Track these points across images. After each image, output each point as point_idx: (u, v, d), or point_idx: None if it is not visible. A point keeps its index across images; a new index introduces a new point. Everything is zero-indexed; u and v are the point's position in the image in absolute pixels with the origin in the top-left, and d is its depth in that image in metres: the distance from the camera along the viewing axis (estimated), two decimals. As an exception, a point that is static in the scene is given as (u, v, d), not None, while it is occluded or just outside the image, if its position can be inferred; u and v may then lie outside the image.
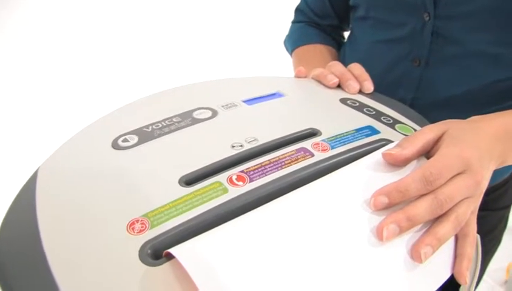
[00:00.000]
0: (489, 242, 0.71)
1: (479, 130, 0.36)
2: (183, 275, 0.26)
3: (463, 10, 0.51)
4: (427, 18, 0.53)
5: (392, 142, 0.37)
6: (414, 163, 0.34)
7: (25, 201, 0.32)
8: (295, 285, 0.26)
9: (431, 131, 0.35)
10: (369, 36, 0.61)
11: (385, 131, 0.40)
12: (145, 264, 0.27)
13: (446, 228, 0.31)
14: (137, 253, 0.27)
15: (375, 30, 0.60)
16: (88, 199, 0.32)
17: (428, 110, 0.57)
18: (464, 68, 0.54)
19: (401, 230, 0.29)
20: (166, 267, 0.27)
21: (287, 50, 0.76)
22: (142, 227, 0.29)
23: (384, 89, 0.52)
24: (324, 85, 0.50)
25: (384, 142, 0.38)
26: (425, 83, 0.56)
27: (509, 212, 0.72)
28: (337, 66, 0.52)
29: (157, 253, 0.28)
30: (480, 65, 0.53)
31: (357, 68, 0.52)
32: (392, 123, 0.41)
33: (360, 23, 0.63)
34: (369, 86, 0.50)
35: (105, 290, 0.26)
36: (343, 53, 0.70)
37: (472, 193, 0.32)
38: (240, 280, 0.25)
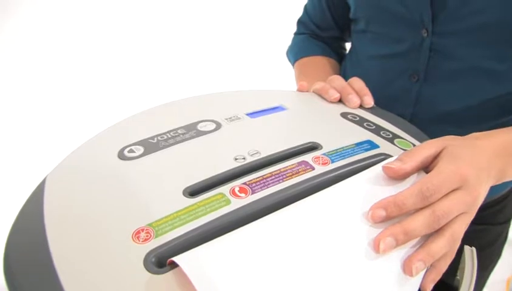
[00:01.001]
0: (489, 256, 0.72)
1: (478, 147, 0.37)
2: (186, 284, 0.27)
3: (461, 26, 0.52)
4: (426, 34, 0.54)
5: (391, 156, 0.38)
6: (412, 177, 0.35)
7: (34, 209, 0.33)
8: None
9: (430, 147, 0.36)
10: (368, 50, 0.63)
11: (384, 146, 0.41)
12: (150, 271, 0.28)
13: (440, 244, 0.31)
14: (142, 261, 0.28)
15: (374, 44, 0.61)
16: (95, 208, 0.33)
17: (427, 124, 0.58)
18: (462, 84, 0.55)
19: (398, 243, 0.30)
20: (169, 275, 0.27)
21: (289, 60, 0.78)
22: (147, 236, 0.30)
23: (383, 104, 0.53)
24: (325, 99, 0.51)
25: (383, 157, 0.39)
26: (424, 99, 0.57)
27: (509, 226, 0.73)
28: (338, 80, 0.53)
29: (161, 261, 0.28)
30: (478, 81, 0.54)
31: (357, 82, 0.53)
32: (392, 138, 0.42)
33: (360, 36, 0.64)
34: (369, 101, 0.51)
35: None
36: (344, 66, 0.71)
37: (468, 209, 0.33)
38: (240, 289, 0.26)
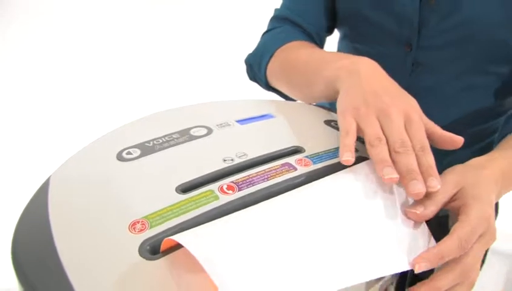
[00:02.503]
0: None
1: (487, 180, 0.41)
2: (177, 268, 0.30)
3: (442, 41, 0.56)
4: (409, 49, 0.58)
5: (368, 159, 0.41)
6: (385, 186, 0.38)
7: (38, 206, 0.37)
8: (287, 266, 0.30)
9: (448, 190, 0.38)
10: None
11: (363, 150, 0.44)
12: (144, 258, 0.31)
13: (449, 278, 0.35)
14: (137, 249, 0.31)
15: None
16: (95, 204, 0.36)
17: None
18: (443, 96, 0.58)
19: None
20: (162, 261, 0.31)
21: (252, 69, 0.66)
22: (142, 227, 0.33)
23: None
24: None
25: (361, 160, 0.42)
26: None
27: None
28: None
29: (155, 249, 0.32)
30: (457, 93, 0.58)
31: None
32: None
33: (347, 44, 0.67)
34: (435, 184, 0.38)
35: (109, 280, 0.30)
36: None
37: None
38: (237, 255, 0.30)
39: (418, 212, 0.37)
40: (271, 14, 0.68)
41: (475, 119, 0.61)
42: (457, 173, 0.40)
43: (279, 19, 0.66)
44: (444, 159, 0.56)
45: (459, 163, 0.44)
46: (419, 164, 0.37)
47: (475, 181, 0.40)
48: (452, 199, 0.39)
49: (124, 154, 0.42)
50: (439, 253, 0.34)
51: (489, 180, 0.41)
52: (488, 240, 0.37)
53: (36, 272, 0.31)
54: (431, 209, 0.37)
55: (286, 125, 0.49)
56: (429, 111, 0.60)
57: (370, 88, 0.42)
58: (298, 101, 0.58)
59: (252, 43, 0.68)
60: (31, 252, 0.33)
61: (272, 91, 0.64)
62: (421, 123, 0.42)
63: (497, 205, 0.73)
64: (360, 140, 0.46)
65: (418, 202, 0.37)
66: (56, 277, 0.30)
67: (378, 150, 0.38)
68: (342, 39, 0.68)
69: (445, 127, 0.60)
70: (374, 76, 0.44)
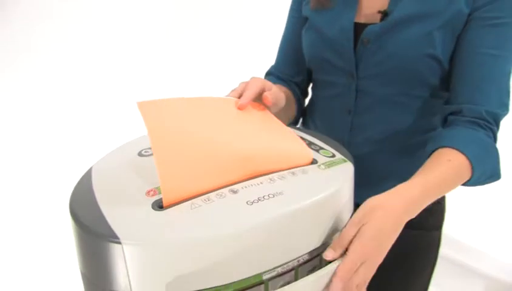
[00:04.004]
0: (421, 262, 0.88)
1: (386, 216, 0.53)
2: (181, 215, 0.47)
3: (375, 72, 0.75)
4: (352, 79, 0.76)
5: (317, 161, 0.59)
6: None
7: (86, 180, 0.55)
8: None
9: (351, 231, 0.52)
10: (317, 93, 0.86)
11: (313, 153, 0.62)
12: (154, 210, 0.48)
13: None
14: (150, 205, 0.49)
15: (320, 89, 0.84)
16: (124, 180, 0.54)
17: (362, 146, 0.79)
18: (380, 114, 0.77)
19: None
20: (165, 212, 0.48)
21: None
22: (153, 193, 0.51)
23: (329, 131, 0.75)
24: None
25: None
26: (355, 127, 0.79)
27: (439, 236, 0.90)
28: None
29: (160, 205, 0.49)
30: (390, 112, 0.76)
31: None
32: (318, 149, 0.63)
33: (313, 83, 0.87)
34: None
35: (130, 221, 0.47)
36: (307, 105, 0.93)
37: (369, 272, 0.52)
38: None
39: (330, 255, 0.51)
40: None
41: (407, 133, 0.78)
42: (365, 212, 0.53)
43: (267, 74, 0.95)
44: (401, 158, 0.74)
45: (413, 165, 0.63)
46: None
47: (371, 225, 0.52)
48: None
49: (142, 152, 0.60)
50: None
51: (389, 215, 0.53)
52: (370, 270, 0.51)
53: (83, 214, 0.49)
54: (338, 252, 0.51)
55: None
56: (371, 126, 0.78)
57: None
58: None
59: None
60: (81, 201, 0.50)
61: None
62: None
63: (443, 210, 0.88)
64: (312, 148, 0.64)
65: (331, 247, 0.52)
66: (91, 212, 0.48)
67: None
68: (312, 73, 0.87)
69: (385, 139, 0.77)
70: None
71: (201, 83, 2.19)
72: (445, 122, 0.75)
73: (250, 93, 0.64)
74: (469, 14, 0.70)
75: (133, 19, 2.23)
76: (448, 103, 0.74)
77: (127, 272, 0.45)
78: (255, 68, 1.05)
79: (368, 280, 0.53)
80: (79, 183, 0.55)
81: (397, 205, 0.55)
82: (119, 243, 0.44)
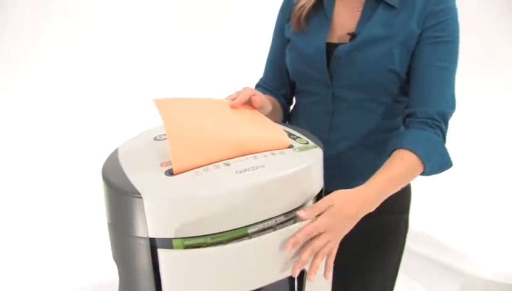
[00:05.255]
0: (390, 243, 1.03)
1: (349, 203, 0.71)
2: (187, 180, 0.63)
3: (346, 82, 0.91)
4: (328, 88, 0.93)
5: (293, 146, 0.75)
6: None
7: (114, 156, 0.71)
8: None
9: (323, 206, 0.69)
10: (300, 101, 1.02)
11: (291, 141, 0.78)
12: (166, 176, 0.64)
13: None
14: (163, 173, 0.65)
15: (302, 97, 1.01)
16: (143, 155, 0.70)
17: (338, 143, 0.95)
18: (354, 116, 0.93)
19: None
20: (175, 177, 0.64)
21: None
22: (166, 164, 0.67)
23: (310, 130, 0.90)
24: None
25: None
26: (333, 127, 0.95)
27: (406, 218, 1.04)
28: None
29: (171, 172, 0.65)
30: (361, 114, 0.92)
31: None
32: (295, 138, 0.79)
33: (296, 92, 1.04)
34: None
35: (148, 183, 0.63)
36: (291, 111, 1.09)
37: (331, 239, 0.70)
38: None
39: (303, 215, 0.68)
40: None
41: (376, 133, 0.94)
42: (332, 197, 0.71)
43: (256, 86, 1.10)
44: (370, 152, 0.90)
45: (380, 158, 0.82)
46: None
47: (337, 205, 0.70)
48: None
49: (157, 137, 0.77)
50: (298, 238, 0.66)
51: (352, 202, 0.72)
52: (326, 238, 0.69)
53: (113, 179, 0.65)
54: (309, 215, 0.68)
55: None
56: (346, 126, 0.94)
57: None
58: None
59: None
60: (111, 170, 0.67)
61: None
62: None
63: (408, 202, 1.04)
64: (291, 137, 0.80)
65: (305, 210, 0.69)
66: (119, 176, 0.64)
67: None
68: (295, 84, 1.04)
69: (358, 137, 0.93)
70: None
71: (202, 84, 2.23)
72: (404, 122, 0.91)
73: (241, 97, 0.81)
74: (420, 34, 0.86)
75: (134, 19, 2.27)
76: (406, 107, 0.91)
77: (146, 220, 0.62)
78: (253, 68, 1.17)
79: (331, 251, 0.70)
80: (108, 159, 0.71)
81: (358, 199, 0.74)
82: (140, 198, 0.60)
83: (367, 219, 0.76)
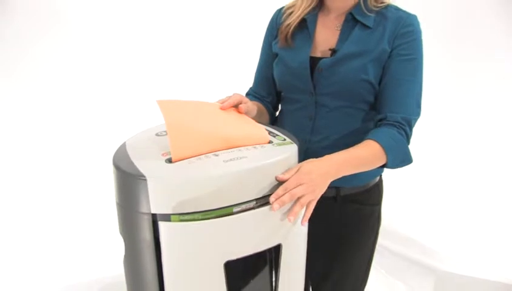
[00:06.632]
0: (365, 231, 1.17)
1: (317, 166, 0.86)
2: (178, 166, 0.78)
3: (328, 90, 1.05)
4: (312, 95, 1.07)
5: (272, 142, 0.89)
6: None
7: (122, 148, 0.86)
8: None
9: (295, 168, 0.84)
10: (286, 107, 1.17)
11: (271, 138, 0.92)
12: (166, 163, 0.79)
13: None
14: (164, 160, 0.80)
15: (288, 103, 1.15)
16: (147, 147, 0.85)
17: (319, 144, 1.09)
18: (333, 120, 1.07)
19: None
20: (174, 164, 0.78)
21: None
22: (167, 154, 0.81)
23: (294, 132, 1.03)
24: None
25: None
26: (315, 130, 1.09)
27: (379, 210, 1.19)
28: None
29: (170, 160, 0.79)
30: (340, 118, 1.06)
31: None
32: (275, 135, 0.94)
33: (283, 99, 1.18)
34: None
35: (151, 168, 0.77)
36: (278, 116, 1.24)
37: (307, 191, 0.83)
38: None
39: (275, 197, 0.80)
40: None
41: (353, 134, 1.08)
42: (302, 163, 0.86)
43: (247, 94, 1.24)
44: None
45: None
46: None
47: (306, 165, 0.86)
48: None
49: (158, 133, 0.91)
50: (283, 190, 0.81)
51: (319, 166, 0.86)
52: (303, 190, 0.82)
53: (123, 165, 0.79)
54: (282, 196, 0.80)
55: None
56: (326, 128, 1.09)
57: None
58: None
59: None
60: (120, 158, 0.81)
61: None
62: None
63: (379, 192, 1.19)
64: (271, 135, 0.95)
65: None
66: (128, 163, 0.78)
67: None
68: (281, 93, 1.19)
69: (337, 138, 1.08)
70: None
71: (199, 86, 2.32)
72: (376, 126, 1.06)
73: (230, 101, 0.96)
74: (391, 51, 1.02)
75: (134, 19, 2.32)
76: (378, 113, 1.06)
77: (149, 198, 0.76)
78: (250, 70, 1.27)
79: (309, 203, 0.84)
80: (117, 150, 0.86)
81: (326, 162, 0.89)
82: (145, 180, 0.75)
83: (346, 208, 0.90)
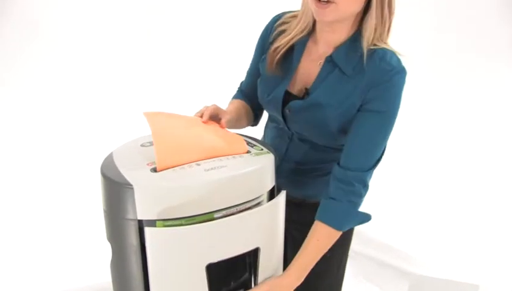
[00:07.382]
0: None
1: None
2: (167, 175, 0.83)
3: (297, 129, 1.10)
4: (285, 125, 1.11)
5: (250, 151, 0.96)
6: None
7: (109, 158, 0.91)
8: None
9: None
10: (268, 120, 1.23)
11: (249, 148, 0.99)
12: (151, 172, 0.84)
13: None
14: (149, 170, 0.85)
15: (269, 119, 1.21)
16: (133, 157, 0.90)
17: (293, 163, 1.15)
18: (304, 149, 1.12)
19: None
20: (159, 173, 0.84)
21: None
22: (151, 164, 0.87)
23: (275, 148, 1.09)
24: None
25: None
26: (289, 150, 1.14)
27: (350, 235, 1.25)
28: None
29: (155, 169, 0.85)
30: (311, 149, 1.11)
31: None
32: (253, 145, 1.00)
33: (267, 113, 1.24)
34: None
35: (137, 177, 0.83)
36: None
37: None
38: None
39: None
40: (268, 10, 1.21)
41: (323, 162, 1.13)
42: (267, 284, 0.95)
43: (238, 89, 1.27)
44: (313, 172, 1.14)
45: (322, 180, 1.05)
46: None
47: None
48: None
49: (144, 144, 0.97)
50: None
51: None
52: None
53: (110, 174, 0.84)
54: None
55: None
56: (299, 155, 1.14)
57: None
58: None
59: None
60: (108, 168, 0.86)
61: None
62: None
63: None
64: (249, 145, 1.01)
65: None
66: (115, 173, 0.84)
67: None
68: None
69: (310, 163, 1.13)
70: None
71: (189, 93, 2.37)
72: (338, 164, 1.01)
73: (207, 113, 1.00)
74: (361, 105, 0.98)
75: (134, 19, 2.37)
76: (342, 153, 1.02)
77: (135, 205, 0.81)
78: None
79: None
80: (105, 160, 0.91)
81: (287, 279, 0.99)
82: (132, 188, 0.80)
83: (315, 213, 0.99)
